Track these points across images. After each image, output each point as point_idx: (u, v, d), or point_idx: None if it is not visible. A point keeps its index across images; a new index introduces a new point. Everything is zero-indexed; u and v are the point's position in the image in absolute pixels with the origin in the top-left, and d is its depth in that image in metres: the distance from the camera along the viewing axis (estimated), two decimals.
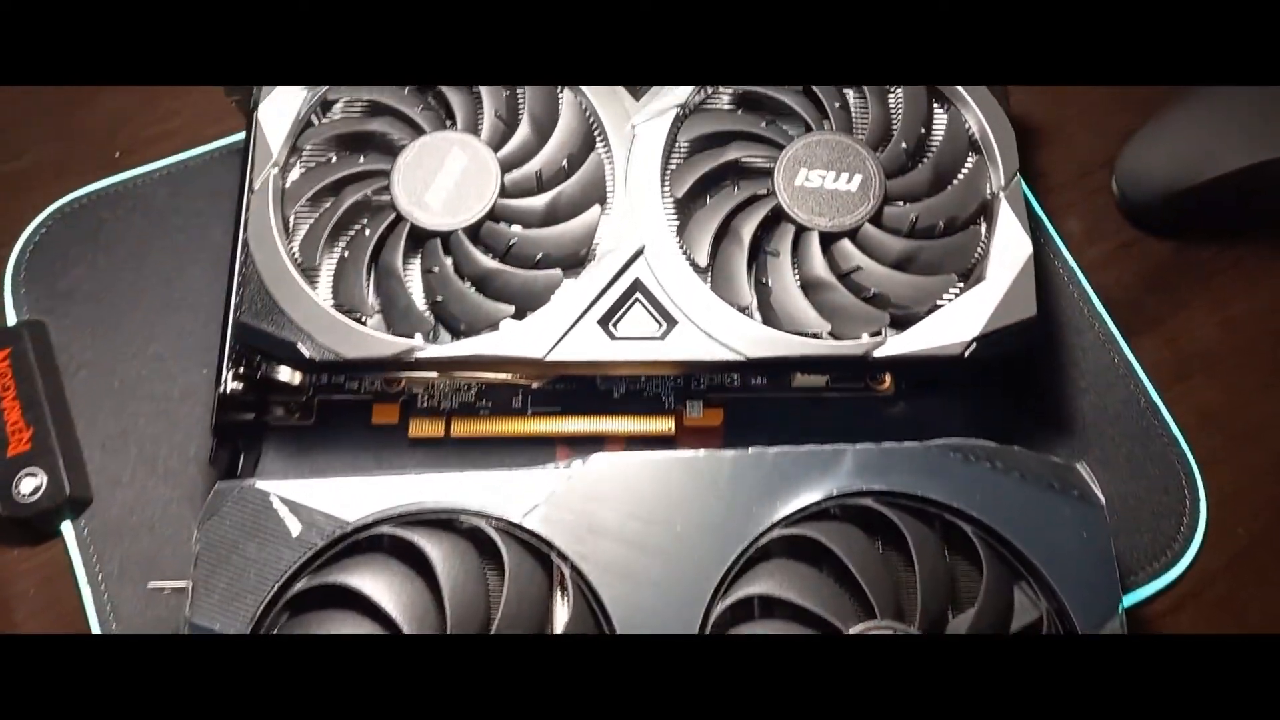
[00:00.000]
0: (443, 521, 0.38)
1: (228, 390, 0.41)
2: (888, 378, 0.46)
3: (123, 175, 0.50)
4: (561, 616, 0.38)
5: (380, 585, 0.37)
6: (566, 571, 0.38)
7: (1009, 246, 0.43)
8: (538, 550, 0.38)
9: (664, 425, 0.46)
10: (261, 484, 0.38)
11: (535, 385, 0.46)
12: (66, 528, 0.44)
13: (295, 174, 0.45)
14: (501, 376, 0.45)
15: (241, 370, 0.42)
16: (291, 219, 0.44)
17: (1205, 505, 0.45)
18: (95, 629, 0.42)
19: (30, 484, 0.44)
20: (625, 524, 0.38)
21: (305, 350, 0.41)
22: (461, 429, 0.45)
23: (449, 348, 0.41)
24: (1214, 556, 0.45)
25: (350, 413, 0.46)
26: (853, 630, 0.36)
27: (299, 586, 0.37)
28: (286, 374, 0.43)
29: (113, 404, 0.46)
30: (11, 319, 0.48)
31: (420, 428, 0.45)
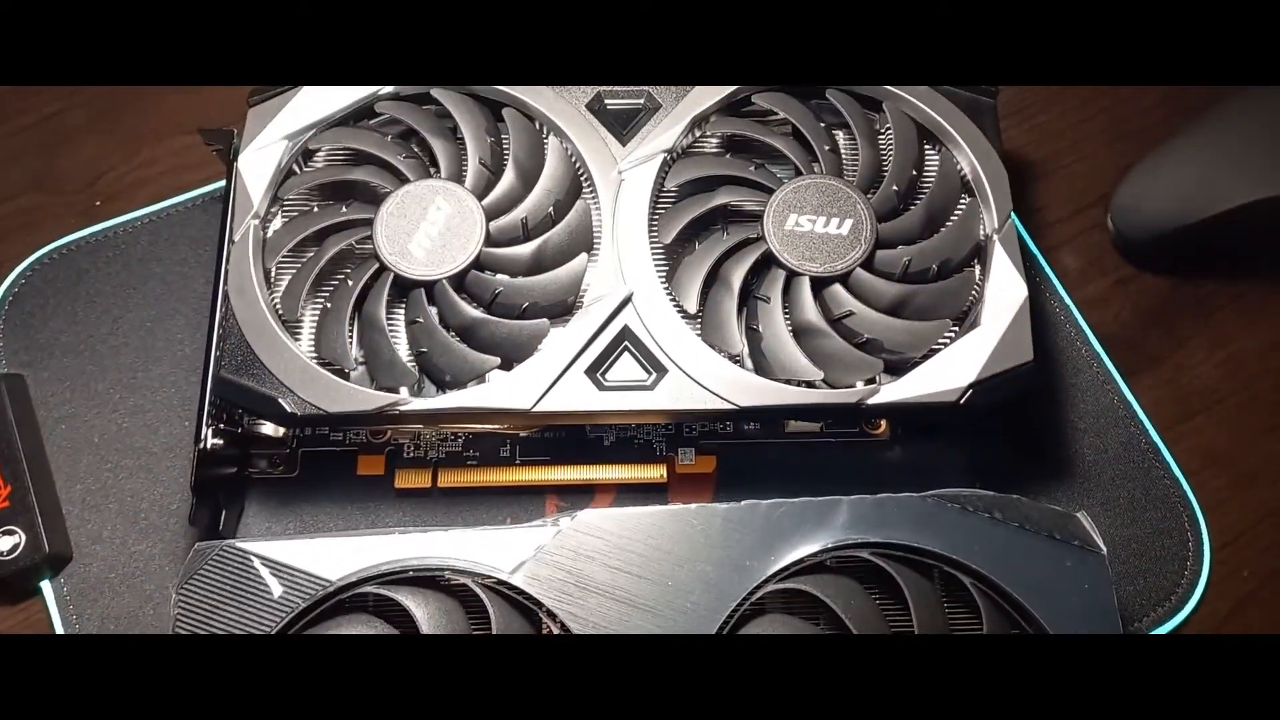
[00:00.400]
0: (428, 579, 0.37)
1: (207, 446, 0.41)
2: (884, 423, 0.45)
3: (102, 225, 0.50)
4: None
5: None
6: (555, 629, 0.37)
7: (1003, 290, 0.42)
8: (525, 607, 0.37)
9: (656, 473, 0.45)
10: (242, 544, 0.37)
11: (524, 434, 0.45)
12: (45, 586, 0.43)
13: (276, 224, 0.44)
14: (489, 427, 0.44)
15: (222, 425, 0.41)
16: (273, 270, 0.43)
17: (1209, 548, 0.44)
18: None
19: (8, 542, 0.43)
20: (615, 580, 0.37)
21: (287, 406, 0.40)
22: (449, 479, 0.44)
23: (434, 401, 0.40)
24: (1221, 601, 0.44)
25: (335, 464, 0.45)
26: None
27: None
28: (270, 428, 0.42)
29: (93, 458, 0.45)
30: None
31: (406, 479, 0.44)
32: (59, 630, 0.42)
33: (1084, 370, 0.47)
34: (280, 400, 0.40)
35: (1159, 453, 0.46)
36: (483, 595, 0.37)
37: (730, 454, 0.45)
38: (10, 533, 0.43)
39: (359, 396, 0.40)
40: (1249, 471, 0.46)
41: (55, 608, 0.43)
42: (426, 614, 0.36)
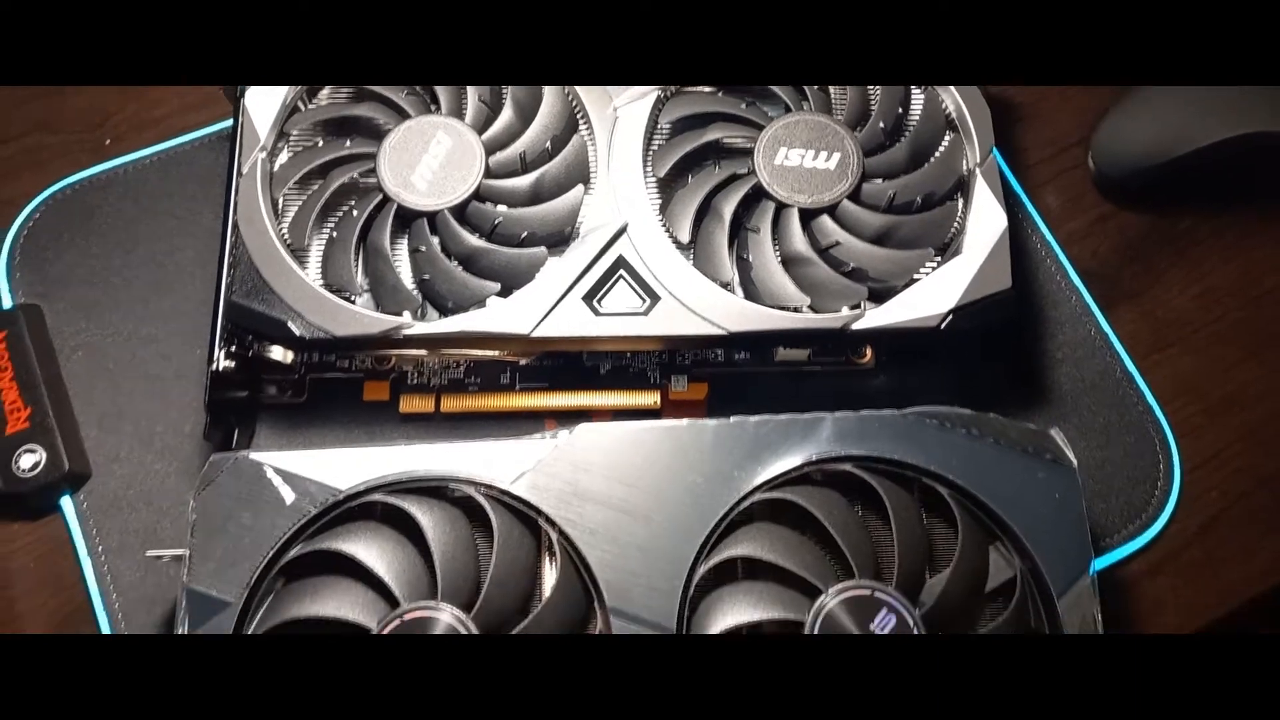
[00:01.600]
0: (433, 489, 0.39)
1: (220, 368, 0.42)
2: (869, 351, 0.47)
3: (112, 162, 0.51)
4: (549, 580, 0.39)
5: (373, 551, 0.38)
6: (554, 536, 0.39)
7: (984, 221, 0.44)
8: (526, 516, 0.39)
9: (649, 399, 0.46)
10: (255, 455, 0.39)
11: (523, 362, 0.47)
12: (65, 503, 0.45)
13: (283, 158, 0.46)
14: (489, 353, 0.46)
15: (234, 349, 0.43)
16: (280, 201, 0.44)
17: (1180, 471, 0.46)
18: (96, 599, 0.43)
19: (29, 460, 0.44)
20: (611, 490, 0.39)
21: (295, 329, 0.41)
22: (451, 405, 0.46)
23: (437, 325, 0.42)
24: (1189, 520, 0.46)
25: (341, 390, 0.46)
26: (832, 590, 0.37)
27: (293, 553, 0.38)
28: (278, 353, 0.44)
29: (108, 384, 0.47)
30: (7, 304, 0.48)
31: (411, 404, 0.46)
32: (79, 542, 0.44)
33: (1063, 303, 0.49)
34: (289, 323, 0.41)
35: (1134, 381, 0.48)
36: (486, 505, 0.39)
37: (721, 382, 0.47)
38: (31, 451, 0.45)
39: (364, 320, 0.42)
40: (1221, 399, 0.48)
41: (75, 522, 0.45)
42: (432, 521, 0.38)
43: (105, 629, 0.43)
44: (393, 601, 0.37)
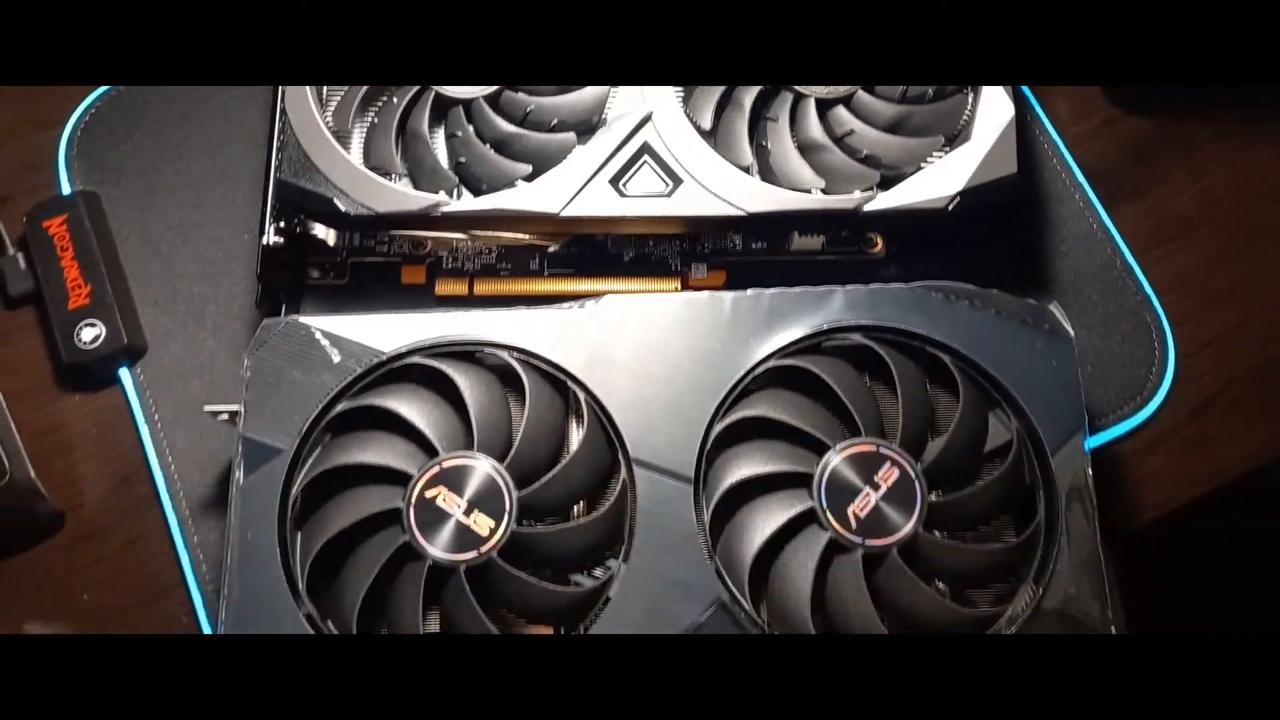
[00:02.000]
0: (468, 354, 0.42)
1: (270, 242, 0.45)
2: (880, 241, 0.49)
3: None
4: (576, 438, 0.42)
5: (414, 408, 0.41)
6: (582, 397, 0.41)
7: (992, 110, 0.46)
8: (555, 379, 0.42)
9: (671, 286, 0.49)
10: (304, 319, 0.42)
11: (551, 248, 0.49)
12: (124, 374, 0.48)
13: None
14: (520, 236, 0.48)
15: (282, 225, 0.46)
16: (324, 90, 0.47)
17: (1174, 357, 0.49)
18: (154, 461, 0.47)
19: (90, 333, 0.48)
20: (635, 354, 0.42)
21: (340, 205, 0.44)
22: (484, 288, 0.49)
23: (472, 203, 0.45)
24: (1182, 403, 0.48)
25: (381, 273, 0.49)
26: (839, 446, 0.40)
27: (339, 408, 0.41)
28: (321, 230, 0.47)
29: (161, 267, 0.50)
30: (66, 190, 0.51)
31: (446, 286, 0.49)
32: (137, 411, 0.48)
33: (1068, 200, 0.51)
34: (334, 200, 0.44)
35: (1133, 273, 0.50)
36: (517, 367, 0.41)
37: (738, 270, 0.49)
38: (92, 325, 0.48)
39: (404, 198, 0.45)
40: (1216, 292, 0.50)
41: (134, 392, 0.48)
42: (468, 381, 0.41)
43: (162, 489, 0.47)
44: (432, 451, 0.40)
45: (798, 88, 0.46)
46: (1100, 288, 0.50)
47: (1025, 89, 0.53)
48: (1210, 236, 0.51)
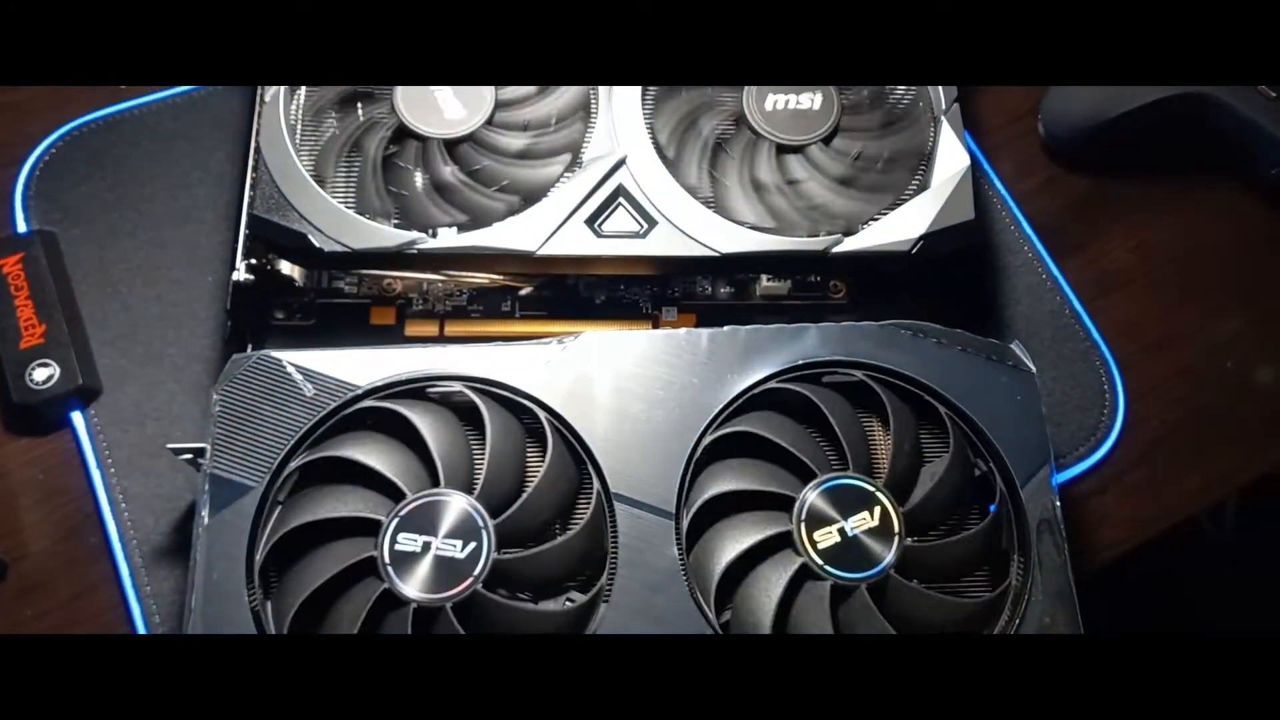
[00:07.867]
0: (419, 391, 0.41)
1: (240, 279, 0.45)
2: (843, 287, 0.51)
3: (128, 103, 0.53)
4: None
5: (373, 453, 0.40)
6: (564, 432, 0.41)
7: (949, 160, 0.48)
8: (512, 404, 0.42)
9: (642, 329, 0.49)
10: (275, 353, 0.41)
11: (523, 291, 0.50)
12: (76, 417, 0.46)
13: (303, 89, 0.48)
14: (494, 277, 0.48)
15: (252, 262, 0.45)
16: (298, 126, 0.47)
17: (1124, 399, 0.51)
18: (105, 510, 0.45)
19: (43, 373, 0.46)
20: (614, 390, 0.42)
21: (315, 240, 0.44)
22: (455, 329, 0.49)
23: (450, 240, 0.45)
24: (1133, 444, 0.50)
25: (349, 314, 0.49)
26: (825, 476, 0.40)
27: (296, 462, 0.40)
28: (288, 268, 0.46)
29: (120, 308, 0.49)
30: (22, 229, 0.50)
31: (416, 328, 0.49)
32: (89, 455, 0.46)
33: (1018, 252, 0.54)
34: (309, 236, 0.44)
35: (1081, 320, 0.52)
36: (472, 395, 0.41)
37: (708, 314, 0.50)
38: (45, 365, 0.46)
39: (380, 235, 0.45)
40: (1158, 339, 0.53)
41: (87, 436, 0.46)
42: (426, 421, 0.40)
43: (113, 537, 0.45)
44: (398, 495, 0.39)
45: (758, 128, 0.48)
46: (1052, 333, 0.52)
47: (976, 150, 0.56)
48: (1147, 289, 0.54)
